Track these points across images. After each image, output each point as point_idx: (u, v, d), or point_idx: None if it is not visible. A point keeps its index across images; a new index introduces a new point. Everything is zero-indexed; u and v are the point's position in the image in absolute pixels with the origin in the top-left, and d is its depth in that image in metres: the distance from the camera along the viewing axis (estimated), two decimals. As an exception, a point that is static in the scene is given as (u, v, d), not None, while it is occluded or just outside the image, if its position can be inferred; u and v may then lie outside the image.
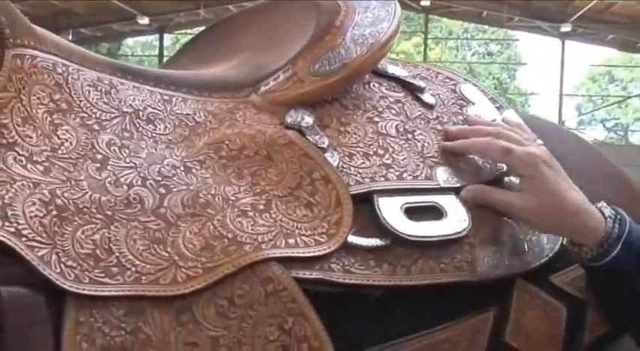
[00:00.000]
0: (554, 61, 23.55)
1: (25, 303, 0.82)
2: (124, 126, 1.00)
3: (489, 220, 1.11)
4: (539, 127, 1.27)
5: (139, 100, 1.04)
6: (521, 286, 1.11)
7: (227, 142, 1.04)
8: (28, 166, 0.90)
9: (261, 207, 0.99)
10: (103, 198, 0.92)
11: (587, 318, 1.17)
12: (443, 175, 1.12)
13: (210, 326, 0.89)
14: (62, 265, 0.85)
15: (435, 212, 1.08)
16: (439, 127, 1.19)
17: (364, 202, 1.05)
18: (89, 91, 1.01)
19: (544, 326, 1.12)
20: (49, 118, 0.96)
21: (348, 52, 1.15)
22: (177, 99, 1.08)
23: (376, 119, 1.16)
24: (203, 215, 0.95)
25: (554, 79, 24.13)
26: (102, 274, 0.87)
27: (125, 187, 0.94)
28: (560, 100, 23.69)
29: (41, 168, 0.91)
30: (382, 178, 1.08)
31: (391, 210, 1.05)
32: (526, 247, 1.12)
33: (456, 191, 1.11)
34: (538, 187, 1.10)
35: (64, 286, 0.84)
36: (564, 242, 1.14)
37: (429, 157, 1.14)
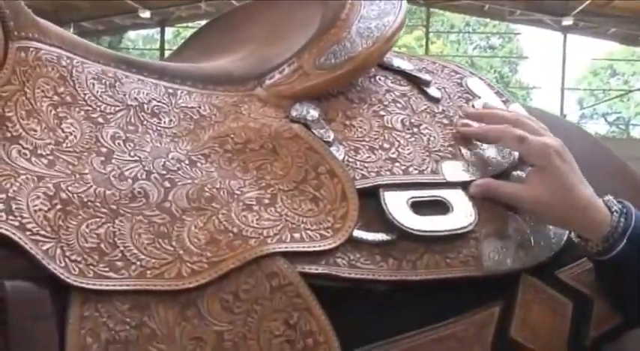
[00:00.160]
0: (555, 54, 23.51)
1: (30, 297, 0.82)
2: (128, 119, 1.00)
3: (495, 215, 1.11)
4: (543, 121, 1.26)
5: (143, 93, 1.04)
6: (527, 281, 1.11)
7: (232, 136, 1.04)
8: (33, 159, 0.90)
9: (267, 201, 0.98)
10: (108, 192, 0.92)
11: (593, 313, 1.16)
12: (449, 170, 1.12)
13: (215, 321, 0.89)
14: (67, 260, 0.85)
15: (441, 207, 1.08)
16: (445, 121, 1.19)
17: (370, 197, 1.04)
18: (93, 84, 1.01)
19: (550, 321, 1.12)
20: (53, 112, 0.95)
21: (353, 45, 1.15)
22: (181, 92, 1.08)
23: (382, 113, 1.15)
24: (208, 209, 0.95)
25: (555, 72, 24.10)
26: (106, 269, 0.87)
27: (130, 180, 0.94)
28: (561, 94, 23.66)
29: (45, 161, 0.91)
30: (388, 173, 1.08)
31: (397, 204, 1.04)
32: (532, 242, 1.11)
33: (462, 186, 1.11)
34: (549, 179, 1.09)
35: (69, 280, 0.84)
36: (571, 236, 1.14)
37: (435, 151, 1.13)
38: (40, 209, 0.86)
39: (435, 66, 1.30)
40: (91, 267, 0.86)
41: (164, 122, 1.02)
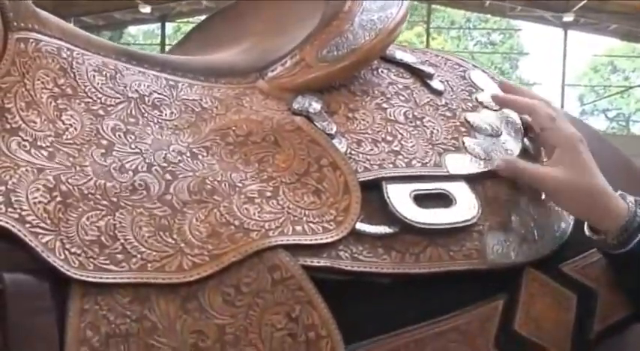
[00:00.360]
0: (556, 50, 23.52)
1: (29, 290, 0.82)
2: (129, 111, 0.99)
3: (499, 208, 1.10)
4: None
5: (144, 85, 1.03)
6: (531, 274, 1.10)
7: (234, 128, 1.03)
8: (32, 151, 0.89)
9: (268, 194, 0.98)
10: (108, 184, 0.91)
11: (598, 307, 1.16)
12: (452, 162, 1.11)
13: (216, 314, 0.88)
14: (66, 252, 0.84)
15: (443, 199, 1.07)
16: (448, 114, 1.18)
17: (372, 189, 1.04)
18: (94, 76, 1.00)
19: (554, 315, 1.11)
20: (53, 103, 0.94)
21: (356, 37, 1.14)
22: (183, 84, 1.07)
23: (385, 106, 1.15)
24: (209, 202, 0.94)
25: (556, 69, 24.08)
26: (107, 261, 0.86)
27: (130, 173, 0.93)
28: (562, 90, 23.67)
29: (45, 153, 0.90)
30: (391, 165, 1.07)
31: (400, 197, 1.04)
32: (536, 236, 1.11)
33: (465, 178, 1.10)
34: (575, 163, 1.10)
35: (69, 273, 0.84)
36: (585, 230, 1.13)
37: (438, 143, 1.13)
38: (39, 201, 0.86)
39: (438, 59, 1.29)
40: (92, 260, 0.85)
41: (165, 114, 1.02)
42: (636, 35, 21.98)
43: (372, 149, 1.08)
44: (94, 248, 0.86)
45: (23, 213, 0.84)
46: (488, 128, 1.18)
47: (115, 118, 0.98)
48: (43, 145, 0.90)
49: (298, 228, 0.96)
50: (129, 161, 0.94)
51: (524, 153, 1.18)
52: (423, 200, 1.05)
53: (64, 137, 0.93)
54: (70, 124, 0.94)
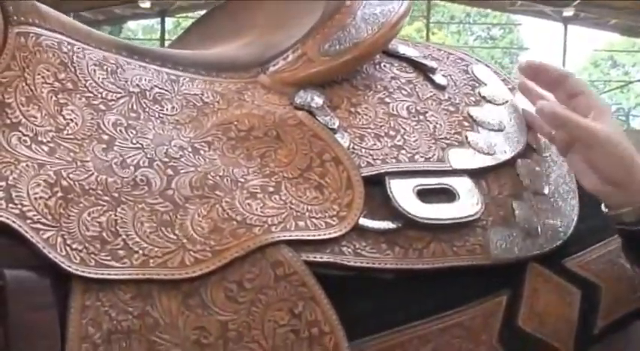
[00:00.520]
0: (556, 45, 23.52)
1: (30, 287, 0.81)
2: (130, 106, 0.98)
3: (502, 203, 1.10)
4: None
5: (145, 79, 1.03)
6: (535, 269, 1.10)
7: (235, 123, 1.03)
8: (33, 146, 0.88)
9: (271, 189, 0.97)
10: (110, 179, 0.90)
11: (601, 303, 1.15)
12: (455, 157, 1.10)
13: (219, 310, 0.88)
14: (68, 248, 0.84)
15: (447, 195, 1.06)
16: (451, 109, 1.17)
17: (375, 185, 1.03)
18: (95, 71, 0.99)
19: (558, 310, 1.11)
20: (54, 98, 0.94)
21: (358, 31, 1.13)
22: (184, 79, 1.06)
23: (387, 100, 1.14)
24: (212, 197, 0.93)
25: (556, 63, 24.03)
26: (108, 257, 0.85)
27: (132, 168, 0.92)
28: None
29: (46, 148, 0.89)
30: (394, 160, 1.06)
31: (403, 192, 1.03)
32: (539, 231, 1.10)
33: (468, 173, 1.09)
34: (615, 124, 1.07)
35: (70, 269, 0.83)
36: (602, 208, 1.11)
37: (441, 138, 1.12)
38: (40, 197, 0.85)
39: (441, 53, 1.28)
40: (93, 256, 0.84)
41: (166, 109, 1.01)
42: (636, 30, 21.97)
43: (374, 144, 1.07)
44: (96, 244, 0.85)
45: (24, 209, 0.83)
46: (492, 123, 1.17)
47: (116, 112, 0.97)
48: (44, 140, 0.90)
49: (301, 223, 0.95)
50: (130, 156, 0.93)
51: (528, 148, 1.17)
52: (426, 195, 1.05)
53: (65, 132, 0.92)
54: (71, 119, 0.93)
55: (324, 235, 0.96)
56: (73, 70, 0.97)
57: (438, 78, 1.21)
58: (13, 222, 0.82)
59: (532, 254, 1.09)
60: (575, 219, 1.15)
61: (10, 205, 0.83)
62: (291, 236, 0.93)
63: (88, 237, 0.85)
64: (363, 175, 1.02)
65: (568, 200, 1.17)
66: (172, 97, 1.03)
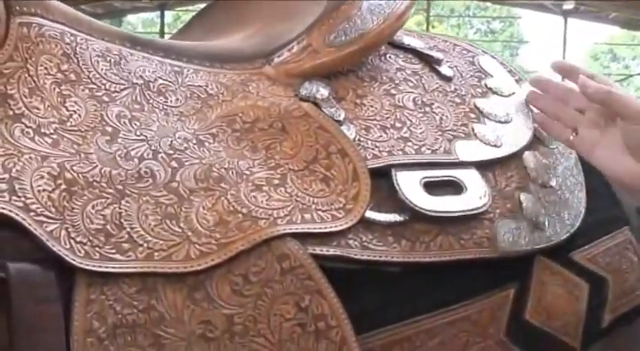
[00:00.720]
0: (556, 39, 23.46)
1: (34, 280, 0.80)
2: (134, 98, 0.98)
3: (509, 195, 1.09)
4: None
5: (149, 71, 1.02)
6: (542, 262, 1.10)
7: (240, 115, 1.02)
8: (36, 138, 0.87)
9: (276, 181, 0.96)
10: (114, 171, 0.89)
11: (609, 296, 1.14)
12: (462, 149, 1.09)
13: (224, 304, 0.87)
14: (72, 241, 0.83)
15: (454, 187, 1.06)
16: (457, 100, 1.16)
17: (382, 177, 1.02)
18: (98, 62, 0.98)
19: (565, 303, 1.10)
20: (57, 89, 0.93)
21: (364, 22, 1.12)
22: (188, 70, 1.05)
23: (393, 91, 1.13)
24: (217, 190, 0.92)
25: (556, 57, 23.98)
26: (113, 250, 0.84)
27: (136, 160, 0.91)
28: (562, 79, 23.60)
29: (49, 140, 0.88)
30: (400, 152, 1.05)
31: (410, 184, 1.02)
32: (547, 224, 1.10)
33: (475, 165, 1.09)
34: None
35: (74, 262, 0.82)
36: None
37: (448, 130, 1.11)
38: (44, 189, 0.84)
39: (447, 44, 1.27)
40: (97, 249, 0.84)
41: (170, 101, 1.00)
42: (636, 23, 21.94)
43: (380, 136, 1.06)
44: (100, 237, 0.84)
45: (27, 201, 0.83)
46: (499, 114, 1.17)
47: (119, 104, 0.96)
48: (47, 131, 0.89)
49: (307, 216, 0.94)
50: (134, 148, 0.92)
51: (535, 140, 1.16)
52: (433, 188, 1.04)
53: (68, 124, 0.91)
54: (74, 111, 0.92)
55: (331, 227, 0.95)
56: (76, 61, 0.96)
57: (444, 69, 1.20)
58: (17, 214, 0.81)
59: (539, 247, 1.08)
60: (583, 211, 1.15)
61: (14, 197, 0.82)
62: (297, 229, 0.93)
63: (92, 230, 0.84)
64: (369, 167, 1.01)
65: (575, 193, 1.16)
66: (176, 89, 1.02)
